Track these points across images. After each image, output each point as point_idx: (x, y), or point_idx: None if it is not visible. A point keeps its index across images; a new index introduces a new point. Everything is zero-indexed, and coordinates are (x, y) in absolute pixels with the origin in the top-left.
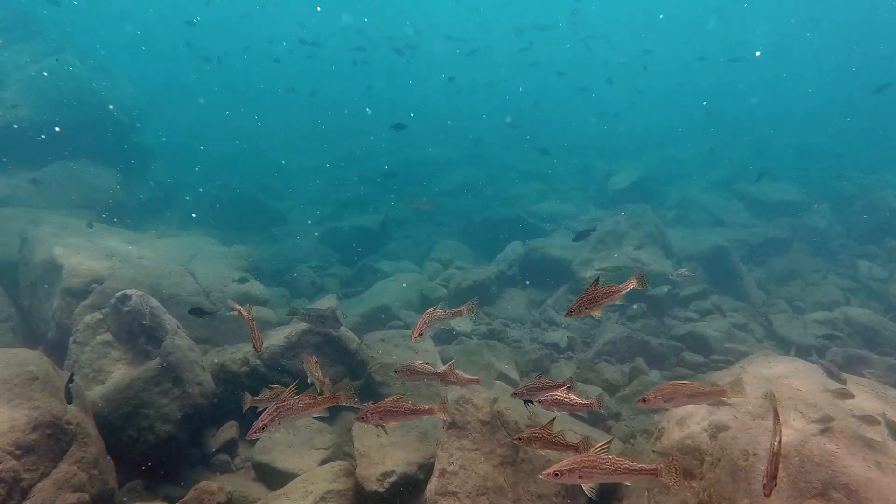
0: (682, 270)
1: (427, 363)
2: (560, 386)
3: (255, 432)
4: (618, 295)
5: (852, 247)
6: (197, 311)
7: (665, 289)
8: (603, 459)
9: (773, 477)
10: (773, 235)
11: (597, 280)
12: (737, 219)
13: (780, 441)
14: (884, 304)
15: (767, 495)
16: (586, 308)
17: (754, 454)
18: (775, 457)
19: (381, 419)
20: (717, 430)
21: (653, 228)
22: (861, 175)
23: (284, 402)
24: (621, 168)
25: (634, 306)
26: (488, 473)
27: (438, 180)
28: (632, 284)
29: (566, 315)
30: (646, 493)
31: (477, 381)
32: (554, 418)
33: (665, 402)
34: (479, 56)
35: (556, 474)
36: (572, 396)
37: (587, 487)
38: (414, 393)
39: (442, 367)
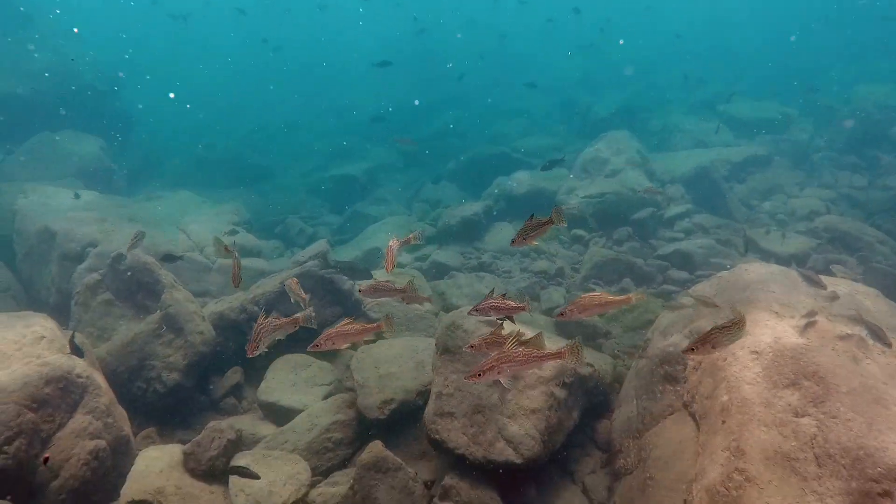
0: (649, 186)
1: (388, 280)
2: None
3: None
4: (545, 228)
5: (835, 159)
6: (168, 257)
7: (648, 211)
8: (515, 352)
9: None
10: (753, 153)
11: (531, 216)
12: (718, 140)
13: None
14: (864, 212)
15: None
16: (524, 240)
17: (732, 354)
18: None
19: (333, 343)
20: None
21: (634, 154)
22: (844, 88)
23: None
24: (603, 98)
25: (620, 230)
26: (482, 392)
27: (423, 124)
28: (553, 220)
29: (511, 245)
30: (635, 401)
31: (429, 300)
32: (501, 322)
33: (580, 313)
34: None
35: (479, 374)
36: (507, 301)
37: (505, 381)
38: (405, 323)
39: (401, 284)
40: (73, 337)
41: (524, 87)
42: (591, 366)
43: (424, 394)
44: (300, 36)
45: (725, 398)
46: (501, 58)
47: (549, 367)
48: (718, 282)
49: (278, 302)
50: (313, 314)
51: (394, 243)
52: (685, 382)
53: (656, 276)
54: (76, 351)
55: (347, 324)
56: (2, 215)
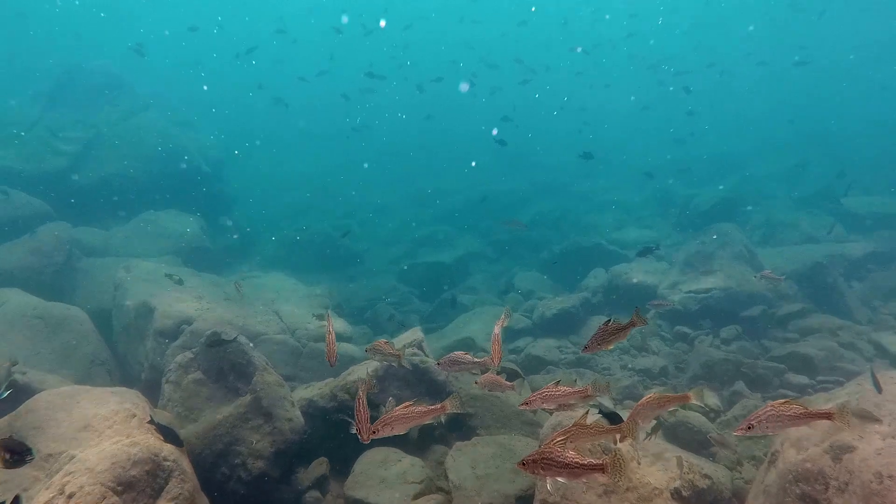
0: (767, 272)
1: (468, 353)
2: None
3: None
4: (625, 333)
5: None
6: (216, 341)
7: (759, 309)
8: (559, 453)
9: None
10: (873, 249)
11: (608, 320)
12: (830, 235)
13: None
14: None
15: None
16: (598, 345)
17: (889, 476)
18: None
19: (392, 428)
20: (840, 451)
21: (741, 248)
22: None
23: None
24: (701, 191)
25: (728, 328)
26: (593, 502)
27: (513, 213)
28: (634, 322)
29: (582, 351)
30: None
31: (512, 388)
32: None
33: (769, 426)
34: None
35: (523, 463)
36: (562, 387)
37: (549, 483)
38: (500, 420)
39: (483, 358)
40: (151, 420)
41: (582, 157)
42: (710, 478)
43: (525, 499)
44: (395, 118)
45: None
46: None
47: (665, 477)
48: (857, 390)
49: (369, 390)
50: (459, 398)
51: (498, 329)
52: None
53: (772, 380)
54: (166, 433)
55: (408, 406)
56: (104, 289)
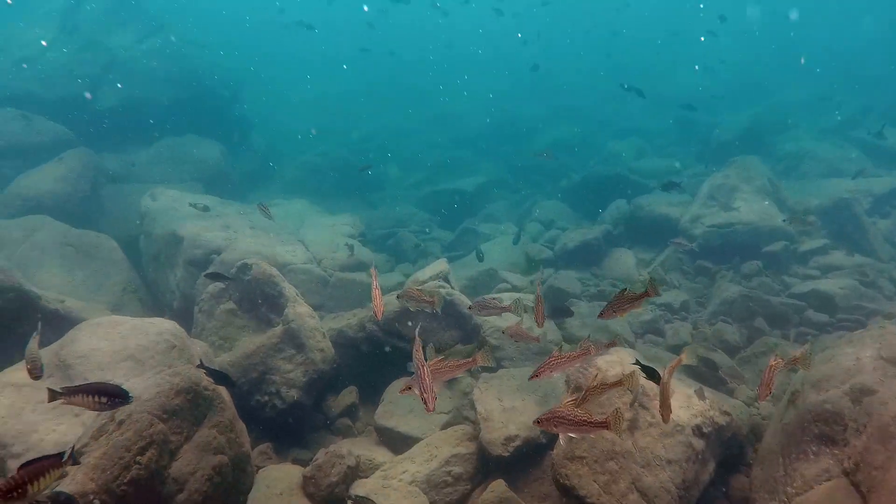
0: (796, 215)
1: (495, 297)
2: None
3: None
4: (639, 302)
5: None
6: (214, 276)
7: (781, 244)
8: (569, 412)
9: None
10: None
11: (623, 290)
12: (856, 168)
13: None
14: None
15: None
16: (613, 312)
17: None
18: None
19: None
20: (860, 394)
21: (765, 181)
22: None
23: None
24: (724, 120)
25: (749, 264)
26: (615, 437)
27: (533, 139)
28: (648, 293)
29: (598, 317)
30: (781, 460)
31: (537, 340)
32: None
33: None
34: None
35: (538, 421)
36: (565, 353)
37: (562, 438)
38: (525, 352)
39: (508, 303)
40: (201, 363)
41: (625, 90)
42: (729, 414)
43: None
44: (414, 43)
45: None
46: (617, 71)
47: (686, 414)
48: (881, 334)
49: (396, 321)
50: (490, 352)
51: (539, 291)
52: (846, 446)
53: (792, 317)
54: (219, 379)
55: (440, 361)
56: (130, 216)
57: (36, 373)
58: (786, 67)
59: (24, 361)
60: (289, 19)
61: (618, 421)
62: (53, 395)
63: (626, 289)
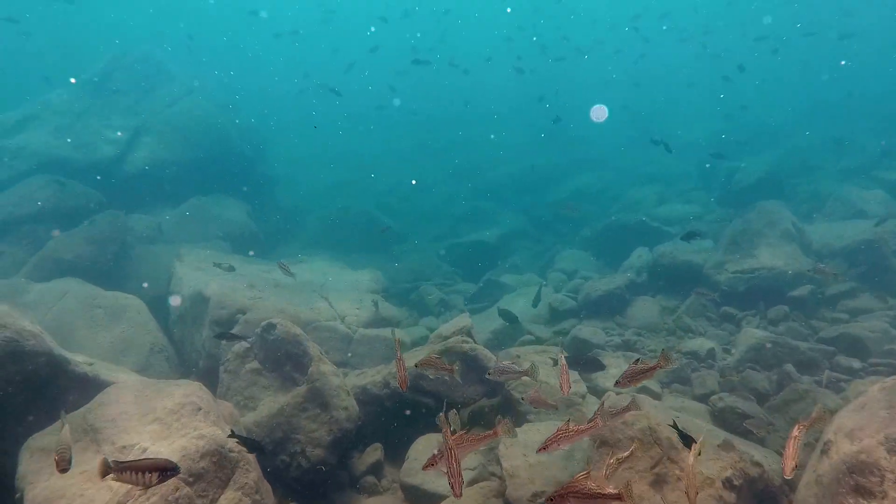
0: (821, 266)
1: (513, 362)
2: None
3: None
4: (651, 373)
5: None
6: (223, 335)
7: (807, 289)
8: (581, 487)
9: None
10: None
11: (637, 360)
12: (880, 209)
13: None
14: None
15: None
16: (628, 383)
17: None
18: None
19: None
20: None
21: (788, 225)
22: None
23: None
24: (745, 164)
25: (776, 309)
26: (644, 492)
27: (552, 189)
28: (661, 363)
29: (615, 386)
30: None
31: (555, 407)
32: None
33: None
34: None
35: (550, 500)
36: (573, 426)
37: None
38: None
39: (526, 366)
40: (232, 433)
41: (654, 144)
42: (760, 465)
43: None
44: (427, 93)
45: None
46: (635, 119)
47: (716, 466)
48: None
49: (421, 378)
50: (511, 424)
51: (563, 360)
52: (884, 498)
53: (821, 362)
54: (251, 447)
55: (462, 435)
56: (158, 276)
57: (63, 465)
58: (806, 110)
59: (55, 444)
60: (314, 83)
61: (629, 491)
62: (106, 471)
63: (638, 359)
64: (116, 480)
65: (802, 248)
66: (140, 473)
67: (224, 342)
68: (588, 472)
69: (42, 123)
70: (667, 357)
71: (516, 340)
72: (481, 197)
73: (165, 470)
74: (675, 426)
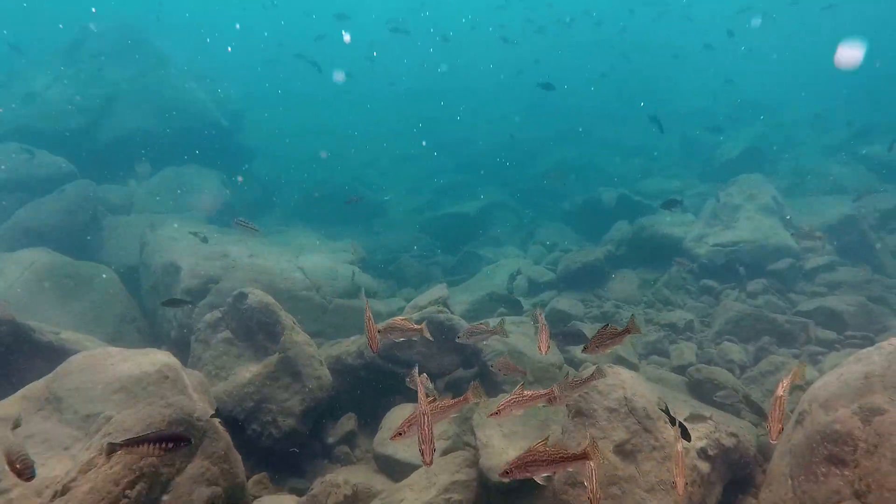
0: (806, 228)
1: (482, 323)
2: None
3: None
4: (620, 339)
5: None
6: (172, 301)
7: (786, 262)
8: (542, 452)
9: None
10: None
11: (606, 325)
12: (860, 184)
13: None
14: None
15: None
16: (596, 348)
17: None
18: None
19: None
20: (870, 413)
21: (769, 199)
22: None
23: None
24: (727, 138)
25: (754, 282)
26: (618, 462)
27: (535, 161)
28: (629, 330)
29: (582, 352)
30: (789, 482)
31: (524, 372)
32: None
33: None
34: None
35: (507, 472)
36: (528, 392)
37: (539, 478)
38: (529, 377)
39: (494, 326)
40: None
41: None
42: (736, 436)
43: None
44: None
45: None
46: (618, 92)
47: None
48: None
49: (396, 348)
50: (481, 387)
51: (542, 319)
52: (856, 467)
53: (799, 335)
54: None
55: (430, 402)
56: (130, 246)
57: (28, 473)
58: (790, 85)
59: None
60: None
61: (595, 449)
62: (112, 449)
63: (607, 325)
64: (128, 454)
65: (783, 222)
66: (152, 445)
67: (193, 309)
68: (545, 439)
69: (9, 92)
70: (635, 324)
71: (495, 312)
72: (462, 170)
73: (178, 439)
74: (665, 411)
